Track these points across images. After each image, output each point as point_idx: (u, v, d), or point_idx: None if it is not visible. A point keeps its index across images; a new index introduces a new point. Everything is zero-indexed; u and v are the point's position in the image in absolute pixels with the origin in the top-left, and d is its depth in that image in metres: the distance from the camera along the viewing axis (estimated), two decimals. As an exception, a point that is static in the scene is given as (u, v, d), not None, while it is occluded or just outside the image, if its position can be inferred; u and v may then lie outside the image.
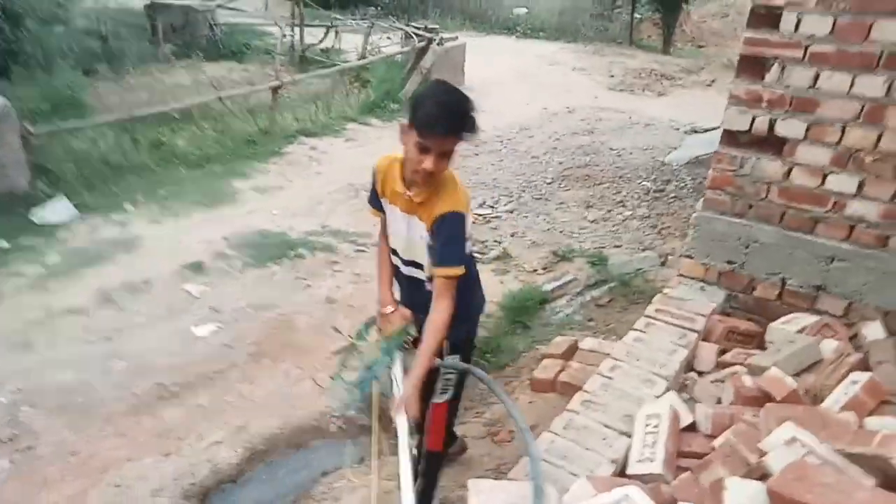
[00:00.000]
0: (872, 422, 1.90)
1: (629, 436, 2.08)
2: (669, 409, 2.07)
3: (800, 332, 2.63)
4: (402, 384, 2.00)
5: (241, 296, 4.18)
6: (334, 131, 7.81)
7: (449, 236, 1.95)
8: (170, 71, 9.48)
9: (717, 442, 1.91)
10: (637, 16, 15.62)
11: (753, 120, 2.80)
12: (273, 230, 5.10)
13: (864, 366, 2.30)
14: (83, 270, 4.33)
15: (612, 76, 12.14)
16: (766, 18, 2.65)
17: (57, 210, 5.09)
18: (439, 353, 2.06)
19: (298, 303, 4.15)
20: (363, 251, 4.92)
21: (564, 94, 10.41)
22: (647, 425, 2.06)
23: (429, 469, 2.41)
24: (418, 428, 2.29)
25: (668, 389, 2.33)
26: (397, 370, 2.09)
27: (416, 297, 2.16)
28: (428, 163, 1.84)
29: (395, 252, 2.19)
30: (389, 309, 2.19)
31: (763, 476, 1.62)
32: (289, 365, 3.60)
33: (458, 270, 1.95)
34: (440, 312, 1.95)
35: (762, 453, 1.72)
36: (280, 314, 4.02)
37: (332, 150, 7.28)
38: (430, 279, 2.05)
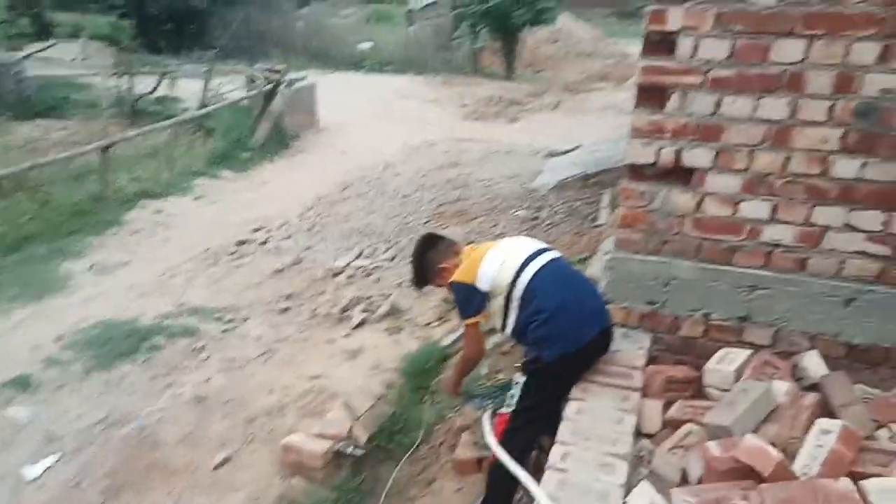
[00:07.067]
0: (871, 486, 1.69)
1: (609, 548, 1.73)
2: (648, 506, 1.75)
3: (737, 370, 2.46)
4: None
5: (85, 411, 3.40)
6: (181, 189, 7.01)
7: (455, 300, 2.70)
8: (-31, 137, 8.15)
9: (717, 545, 1.61)
10: (478, 45, 16.02)
11: (659, 151, 2.62)
12: (119, 319, 4.30)
13: (822, 407, 2.14)
14: None
15: (465, 105, 12.23)
16: (661, 46, 2.48)
17: None
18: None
19: (160, 409, 3.44)
20: (232, 329, 4.27)
21: (422, 127, 10.27)
22: (627, 532, 1.72)
23: (487, 479, 2.67)
24: None
25: (629, 475, 2.01)
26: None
27: None
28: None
29: None
30: None
31: None
32: (158, 494, 2.90)
33: (467, 321, 2.64)
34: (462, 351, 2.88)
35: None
36: (138, 428, 3.28)
37: (182, 211, 6.49)
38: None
